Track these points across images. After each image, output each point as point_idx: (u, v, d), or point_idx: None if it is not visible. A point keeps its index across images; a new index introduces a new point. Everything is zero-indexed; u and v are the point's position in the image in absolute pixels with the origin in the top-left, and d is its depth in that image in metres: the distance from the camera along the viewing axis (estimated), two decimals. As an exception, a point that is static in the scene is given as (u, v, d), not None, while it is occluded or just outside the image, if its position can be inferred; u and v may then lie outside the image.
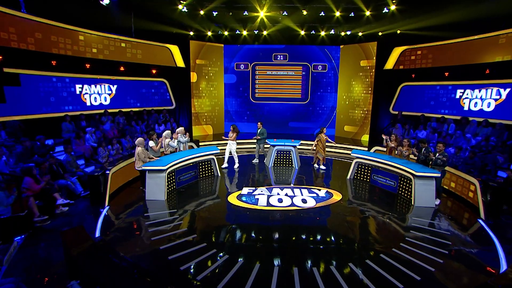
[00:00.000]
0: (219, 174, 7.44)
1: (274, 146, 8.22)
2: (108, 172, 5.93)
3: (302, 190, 6.33)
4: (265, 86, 12.99)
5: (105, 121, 9.24)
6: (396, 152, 6.51)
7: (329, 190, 6.31)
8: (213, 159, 7.45)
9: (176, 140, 6.93)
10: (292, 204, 5.55)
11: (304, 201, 5.73)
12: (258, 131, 7.75)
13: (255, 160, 7.94)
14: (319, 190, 6.33)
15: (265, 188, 6.37)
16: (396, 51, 10.24)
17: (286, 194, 6.06)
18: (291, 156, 8.20)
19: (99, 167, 6.27)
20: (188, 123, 12.22)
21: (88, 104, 9.45)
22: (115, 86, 10.26)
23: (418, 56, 9.59)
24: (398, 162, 6.15)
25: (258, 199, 5.82)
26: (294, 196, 5.99)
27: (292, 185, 6.63)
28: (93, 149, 7.53)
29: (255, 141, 7.76)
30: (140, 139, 5.97)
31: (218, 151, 7.37)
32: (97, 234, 4.47)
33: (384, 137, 6.83)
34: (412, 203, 5.67)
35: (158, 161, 6.19)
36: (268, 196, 5.94)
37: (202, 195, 6.18)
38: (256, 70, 12.95)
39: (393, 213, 5.20)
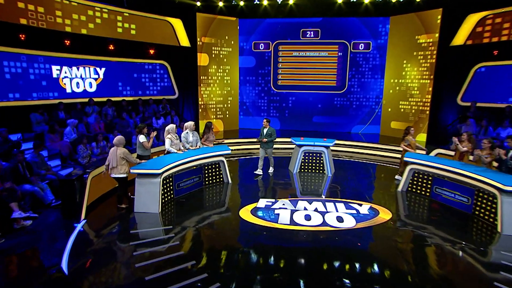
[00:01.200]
0: (230, 181, 7.47)
1: (300, 146, 7.98)
2: (86, 176, 5.71)
3: (337, 204, 6.03)
4: (290, 71, 12.85)
5: (90, 112, 9.28)
6: (472, 157, 5.88)
7: (374, 206, 5.93)
8: (222, 161, 7.30)
9: (176, 142, 6.64)
10: (324, 223, 5.22)
11: (339, 219, 5.39)
12: (265, 130, 7.38)
13: (259, 171, 7.69)
14: (360, 205, 5.98)
15: (288, 201, 6.11)
16: (471, 20, 9.16)
17: (315, 209, 5.77)
18: (322, 160, 7.96)
19: (79, 170, 6.10)
20: (194, 117, 12.32)
21: (69, 90, 9.45)
22: (103, 69, 10.27)
23: (504, 25, 8.55)
24: (475, 171, 5.54)
25: (278, 214, 5.55)
26: (327, 212, 5.68)
27: (323, 197, 6.37)
28: (72, 147, 7.47)
29: (262, 143, 7.55)
30: (119, 137, 5.65)
31: (230, 152, 7.18)
32: (65, 258, 4.21)
33: (454, 140, 6.21)
34: (498, 229, 5.04)
35: (151, 162, 6.01)
36: (292, 211, 5.67)
37: (208, 207, 5.99)
38: (279, 50, 12.77)
39: (468, 243, 4.57)
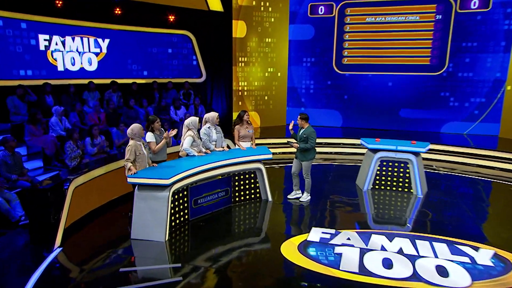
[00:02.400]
0: (270, 198, 7.16)
1: (375, 151, 7.70)
2: (67, 185, 5.55)
3: (435, 245, 5.48)
4: (361, 45, 12.66)
5: (88, 98, 9.41)
6: None
7: (501, 253, 5.26)
8: (260, 170, 7.06)
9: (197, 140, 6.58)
10: (416, 276, 4.66)
11: (442, 271, 4.77)
12: (301, 131, 6.82)
13: (293, 194, 7.18)
14: (476, 249, 5.35)
15: (356, 234, 5.74)
16: None
17: (400, 251, 5.29)
18: (409, 173, 7.64)
19: (62, 174, 6.05)
20: (227, 107, 12.44)
21: (61, 68, 9.49)
22: (107, 41, 10.33)
23: None
24: None
25: (341, 255, 5.14)
26: (419, 257, 5.14)
27: (410, 230, 5.92)
28: (60, 143, 7.48)
29: (291, 148, 7.25)
30: (136, 126, 5.62)
31: (271, 156, 6.93)
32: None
33: None
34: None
35: (157, 169, 5.78)
36: (363, 252, 5.24)
37: (236, 235, 5.80)
38: (347, 15, 12.61)
39: None
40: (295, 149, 6.83)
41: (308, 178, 6.91)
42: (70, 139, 7.34)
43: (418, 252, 5.26)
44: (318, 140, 11.14)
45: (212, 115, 6.83)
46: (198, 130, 6.79)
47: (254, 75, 12.87)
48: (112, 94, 9.92)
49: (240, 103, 12.75)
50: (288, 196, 7.10)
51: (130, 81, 10.63)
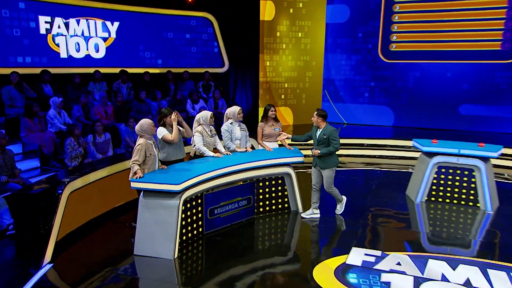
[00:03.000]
0: (301, 209, 7.05)
1: (431, 156, 7.50)
2: (61, 189, 5.53)
3: None
4: (413, 28, 12.54)
5: (94, 90, 9.56)
6: None
7: None
8: (289, 175, 6.94)
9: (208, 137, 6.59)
10: None
11: None
12: (318, 132, 6.54)
13: (309, 214, 6.84)
14: None
15: (408, 257, 5.52)
16: None
17: (467, 283, 4.97)
18: (475, 182, 7.31)
19: (59, 176, 6.08)
20: (252, 102, 12.70)
21: (64, 55, 9.58)
22: (116, 24, 10.44)
23: None
24: None
25: (389, 284, 4.92)
26: None
27: (478, 256, 5.66)
28: (60, 141, 7.61)
29: (311, 153, 6.77)
30: (146, 121, 5.66)
31: (303, 159, 6.83)
32: None
33: None
34: None
35: (166, 172, 5.72)
36: (418, 281, 4.96)
37: (259, 254, 5.72)
38: None
39: None
40: (315, 154, 6.50)
41: (332, 189, 6.60)
42: (71, 136, 7.40)
43: (491, 286, 4.92)
44: (358, 141, 11.15)
45: (234, 109, 6.79)
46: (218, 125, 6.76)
47: (284, 64, 12.85)
48: (121, 85, 10.00)
49: (267, 97, 12.73)
50: (303, 215, 6.79)
51: (141, 70, 10.72)
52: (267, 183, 6.82)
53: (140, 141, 5.58)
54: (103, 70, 9.95)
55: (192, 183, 5.52)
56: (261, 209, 6.85)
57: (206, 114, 6.46)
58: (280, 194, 6.95)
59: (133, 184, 5.38)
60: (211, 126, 6.55)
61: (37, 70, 8.95)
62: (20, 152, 7.44)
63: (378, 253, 5.56)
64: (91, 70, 9.81)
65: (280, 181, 6.87)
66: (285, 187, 6.92)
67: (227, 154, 6.53)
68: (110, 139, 7.99)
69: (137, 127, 5.64)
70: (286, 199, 6.98)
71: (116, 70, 10.17)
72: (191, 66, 11.74)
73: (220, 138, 6.84)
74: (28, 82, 8.54)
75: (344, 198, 6.92)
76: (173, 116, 6.03)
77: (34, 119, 7.60)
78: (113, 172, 6.75)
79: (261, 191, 6.81)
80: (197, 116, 6.47)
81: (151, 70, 10.89)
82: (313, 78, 13.23)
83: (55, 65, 9.38)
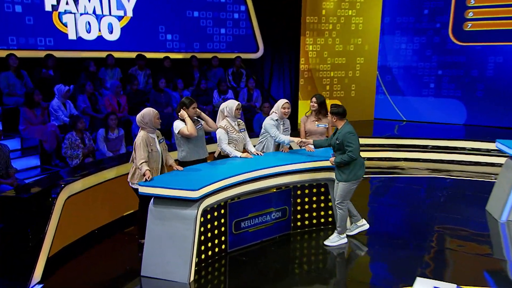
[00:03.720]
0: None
1: None
2: (55, 192, 5.49)
3: None
4: (495, 1, 12.17)
5: (106, 77, 9.58)
6: None
7: None
8: (334, 181, 6.63)
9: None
10: None
11: None
12: (337, 134, 6.18)
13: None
14: None
15: None
16: None
17: None
18: None
19: (58, 176, 6.12)
20: (291, 94, 12.32)
21: (72, 37, 9.60)
22: (133, 1, 10.38)
23: None
24: None
25: None
26: None
27: None
28: (64, 136, 7.59)
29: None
30: (149, 111, 5.70)
31: None
32: None
33: None
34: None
35: (182, 174, 5.61)
36: None
37: (296, 280, 5.56)
38: None
39: None
40: (331, 162, 6.21)
41: (341, 210, 6.14)
42: (73, 130, 7.45)
43: None
44: (420, 142, 10.89)
45: (231, 104, 6.51)
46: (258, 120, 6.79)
47: (331, 48, 12.73)
48: (138, 72, 10.00)
49: (309, 87, 12.68)
50: (327, 243, 6.38)
51: (161, 55, 10.68)
52: (307, 191, 6.66)
53: (140, 133, 5.58)
54: (116, 54, 9.91)
55: (214, 189, 5.37)
56: (298, 223, 6.70)
57: (231, 104, 6.34)
58: (323, 205, 6.75)
59: (141, 189, 5.24)
60: (238, 120, 6.50)
61: (41, 54, 8.99)
62: (18, 148, 7.49)
63: (451, 286, 5.20)
64: (103, 54, 9.76)
65: (323, 189, 6.66)
66: (329, 197, 6.71)
67: (257, 154, 6.47)
68: (123, 136, 8.03)
69: (138, 117, 5.64)
70: (330, 212, 6.76)
71: (132, 55, 10.13)
72: (219, 51, 11.71)
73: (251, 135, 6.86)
74: (30, 68, 8.61)
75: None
76: (181, 112, 5.97)
77: (36, 110, 7.60)
78: (122, 174, 6.64)
79: (299, 200, 6.66)
80: (222, 106, 6.40)
81: (172, 55, 10.82)
82: (366, 65, 13.04)
83: (61, 48, 9.37)
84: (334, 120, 5.95)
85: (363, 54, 12.95)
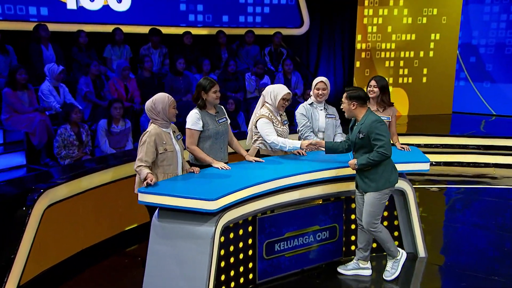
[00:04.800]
0: (424, 253, 6.61)
1: None
2: (32, 200, 5.42)
3: None
4: None
5: (112, 56, 9.67)
6: None
7: None
8: (402, 192, 6.50)
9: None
10: None
11: None
12: (354, 128, 6.02)
13: (351, 269, 6.43)
14: None
15: None
16: None
17: None
18: None
19: (39, 178, 6.11)
20: (345, 79, 12.70)
21: (72, 6, 9.70)
22: None
23: None
24: None
25: None
26: None
27: None
28: (56, 128, 7.69)
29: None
30: (162, 97, 5.46)
31: (428, 166, 6.41)
32: None
33: None
34: None
35: (197, 179, 5.49)
36: None
37: None
38: None
39: None
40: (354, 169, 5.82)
41: (375, 229, 5.78)
42: (66, 122, 7.44)
43: None
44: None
45: (277, 89, 6.37)
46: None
47: (396, 21, 12.67)
48: (152, 50, 9.98)
49: (367, 71, 12.60)
50: (339, 269, 6.25)
51: (181, 30, 10.68)
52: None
53: (149, 127, 5.34)
54: (126, 28, 9.89)
55: (238, 198, 5.09)
56: (352, 247, 6.40)
57: (278, 90, 6.14)
58: (386, 223, 6.38)
59: (140, 198, 5.03)
60: (282, 113, 6.44)
61: (29, 25, 9.05)
62: (-1, 143, 7.51)
63: None
64: (110, 28, 9.77)
65: (386, 202, 6.10)
66: (395, 213, 6.46)
67: (300, 154, 6.28)
68: (130, 129, 8.02)
69: (148, 104, 5.38)
70: (396, 233, 6.51)
71: (145, 30, 10.13)
72: (254, 26, 11.70)
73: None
74: (18, 43, 8.72)
75: (403, 254, 6.16)
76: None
77: (20, 93, 7.58)
78: (124, 176, 6.61)
79: (353, 217, 6.33)
80: (266, 90, 6.27)
81: (194, 31, 10.79)
82: (442, 43, 12.85)
83: (59, 20, 9.42)
84: (353, 108, 5.52)
85: (439, 28, 12.76)
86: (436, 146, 10.81)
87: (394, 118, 6.69)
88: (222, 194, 4.82)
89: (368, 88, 6.61)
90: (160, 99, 5.33)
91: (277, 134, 6.26)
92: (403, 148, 6.62)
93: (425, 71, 12.89)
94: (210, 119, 5.77)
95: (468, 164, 10.41)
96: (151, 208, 5.36)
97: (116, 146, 7.72)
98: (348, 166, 5.79)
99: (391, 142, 6.55)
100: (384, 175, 5.51)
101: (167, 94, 5.47)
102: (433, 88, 12.92)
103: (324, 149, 5.99)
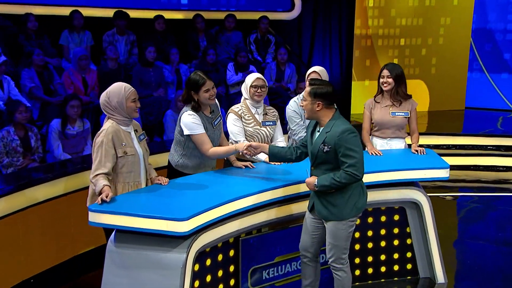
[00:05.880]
0: (443, 278, 6.45)
1: None
2: None
3: None
4: None
5: (70, 44, 9.65)
6: None
7: None
8: (417, 205, 6.37)
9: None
10: None
11: None
12: (315, 136, 5.69)
13: None
14: None
15: None
16: None
17: None
18: None
19: None
20: (342, 70, 12.67)
21: None
22: None
23: None
24: None
25: None
26: None
27: None
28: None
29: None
30: (118, 87, 5.18)
31: (447, 173, 6.28)
32: None
33: None
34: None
35: (164, 191, 5.20)
36: None
37: None
38: None
39: None
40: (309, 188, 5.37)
41: (341, 271, 5.31)
42: (10, 124, 7.29)
43: None
44: None
45: (248, 78, 6.30)
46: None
47: (400, 4, 12.81)
48: (118, 37, 9.99)
49: (368, 61, 12.75)
50: None
51: (152, 14, 10.72)
52: (370, 219, 6.23)
53: (105, 125, 4.97)
54: (86, 11, 9.88)
55: (216, 217, 4.76)
56: (357, 272, 6.22)
57: (248, 78, 6.07)
58: (396, 242, 6.29)
59: (92, 217, 4.64)
60: (268, 108, 6.36)
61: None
62: None
63: None
64: (66, 10, 9.75)
65: (396, 217, 6.23)
66: (408, 229, 6.27)
67: (249, 166, 6.07)
68: (89, 130, 7.87)
69: (101, 98, 5.07)
70: (409, 254, 6.34)
71: (109, 13, 10.10)
72: (236, 9, 11.81)
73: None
74: None
75: None
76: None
77: None
78: (75, 189, 6.40)
79: (358, 235, 6.17)
80: (243, 85, 6.23)
81: (167, 14, 10.84)
82: (454, 28, 12.97)
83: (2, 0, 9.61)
84: (318, 108, 4.98)
85: (449, 12, 12.87)
86: (448, 147, 10.85)
87: (414, 113, 6.49)
88: (196, 212, 4.45)
89: (381, 80, 6.40)
90: (115, 91, 4.99)
91: (248, 134, 6.03)
92: (417, 151, 6.40)
93: (434, 60, 12.98)
94: (207, 123, 5.59)
95: (485, 168, 10.44)
96: (107, 229, 5.02)
97: (72, 151, 7.54)
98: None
99: (411, 141, 6.60)
100: (351, 200, 5.02)
101: (124, 84, 5.09)
102: (443, 80, 12.97)
103: (267, 154, 5.54)
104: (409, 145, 6.79)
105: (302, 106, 5.19)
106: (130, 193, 4.97)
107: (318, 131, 5.01)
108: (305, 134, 6.19)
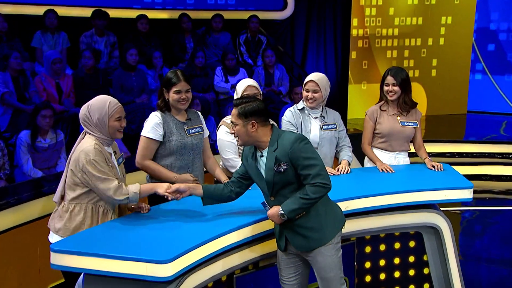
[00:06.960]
0: None
1: None
2: None
3: None
4: None
5: (44, 46, 9.55)
6: None
7: None
8: (436, 230, 6.04)
9: None
10: None
11: None
12: (261, 160, 5.39)
13: None
14: None
15: None
16: None
17: None
18: None
19: None
20: (337, 72, 12.92)
21: None
22: None
23: None
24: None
25: None
26: None
27: None
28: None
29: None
30: (102, 100, 4.83)
31: (471, 194, 5.97)
32: None
33: None
34: None
35: (145, 224, 4.83)
36: None
37: None
38: None
39: None
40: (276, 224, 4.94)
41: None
42: None
43: None
44: None
45: (240, 84, 6.14)
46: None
47: (399, 2, 12.82)
48: (97, 39, 9.94)
49: (365, 63, 12.66)
50: None
51: (134, 13, 10.59)
52: (382, 247, 5.78)
53: (86, 143, 4.55)
54: (61, 10, 9.78)
55: (205, 255, 4.23)
56: None
57: (238, 85, 5.84)
58: (413, 272, 5.82)
59: (54, 259, 4.09)
60: None
61: None
62: None
63: None
64: (40, 9, 9.65)
65: (412, 243, 5.79)
66: (425, 257, 5.79)
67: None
68: (63, 142, 7.60)
69: (81, 111, 4.64)
70: (426, 285, 5.90)
71: (87, 12, 9.96)
72: (225, 7, 11.87)
73: None
74: None
75: None
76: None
77: None
78: (44, 214, 5.93)
79: (369, 265, 5.73)
80: (235, 94, 6.11)
81: (151, 14, 10.74)
82: (455, 28, 12.91)
83: None
84: (253, 129, 4.46)
85: (449, 11, 12.84)
86: (451, 155, 10.61)
87: (420, 124, 6.21)
88: (181, 252, 3.90)
89: (385, 88, 5.97)
90: (98, 106, 4.48)
91: (239, 150, 5.65)
92: (434, 166, 5.97)
93: (434, 62, 12.98)
94: (176, 127, 5.16)
95: (491, 178, 10.21)
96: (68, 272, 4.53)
97: (43, 166, 7.24)
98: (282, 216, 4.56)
99: (420, 156, 6.35)
100: (329, 216, 4.53)
101: (109, 99, 4.58)
102: (444, 82, 12.95)
103: (198, 196, 4.83)
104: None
105: (233, 133, 4.61)
106: (101, 226, 4.49)
107: (262, 156, 4.50)
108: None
